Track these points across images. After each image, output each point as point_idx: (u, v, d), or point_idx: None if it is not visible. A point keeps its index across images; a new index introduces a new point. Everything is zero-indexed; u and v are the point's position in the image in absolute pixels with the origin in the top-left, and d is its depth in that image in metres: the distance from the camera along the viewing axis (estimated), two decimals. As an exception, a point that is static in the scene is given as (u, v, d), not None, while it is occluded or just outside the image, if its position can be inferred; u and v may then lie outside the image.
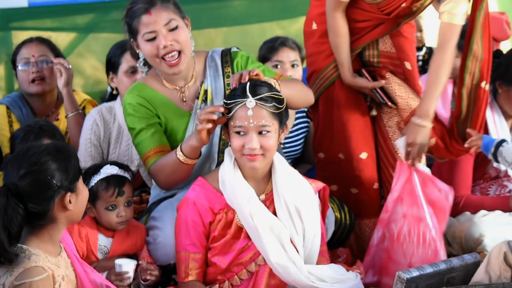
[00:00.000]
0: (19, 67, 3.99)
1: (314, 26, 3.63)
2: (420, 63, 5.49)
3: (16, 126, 3.93)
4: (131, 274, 2.86)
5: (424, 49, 5.52)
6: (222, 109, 2.83)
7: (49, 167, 2.36)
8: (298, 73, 4.03)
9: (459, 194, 3.69)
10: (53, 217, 2.39)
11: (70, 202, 2.40)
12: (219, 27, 6.43)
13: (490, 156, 3.46)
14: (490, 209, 3.61)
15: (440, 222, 3.30)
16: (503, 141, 3.46)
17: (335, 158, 3.65)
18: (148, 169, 3.13)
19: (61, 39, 5.84)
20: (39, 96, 4.02)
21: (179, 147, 2.99)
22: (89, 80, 6.03)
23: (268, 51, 4.06)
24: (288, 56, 4.02)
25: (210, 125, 2.84)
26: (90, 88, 5.82)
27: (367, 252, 3.50)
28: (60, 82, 3.88)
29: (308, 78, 3.70)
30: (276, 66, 3.97)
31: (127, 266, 2.86)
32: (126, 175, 3.11)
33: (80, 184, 2.46)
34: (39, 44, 4.05)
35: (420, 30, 5.45)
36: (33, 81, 3.97)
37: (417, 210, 3.33)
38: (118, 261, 2.87)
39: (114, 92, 3.83)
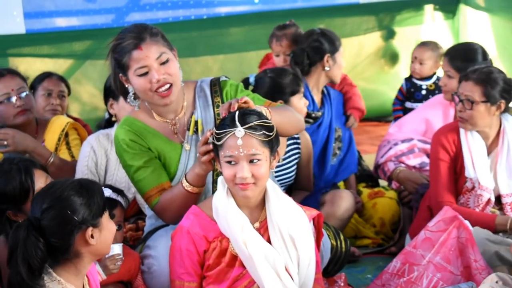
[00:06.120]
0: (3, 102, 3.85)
1: None
2: (424, 92, 5.37)
3: None
4: (122, 255, 2.97)
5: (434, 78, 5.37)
6: (209, 134, 2.86)
7: (71, 202, 2.40)
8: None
9: (444, 199, 3.69)
10: (76, 251, 2.42)
11: (92, 237, 2.43)
12: (216, 54, 6.47)
13: None
14: (475, 224, 3.56)
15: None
16: None
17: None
18: (152, 208, 3.14)
19: (58, 65, 5.88)
20: (23, 126, 3.90)
21: (184, 178, 3.02)
22: (86, 107, 6.06)
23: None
24: None
25: (212, 154, 2.88)
26: (87, 114, 5.83)
27: (378, 276, 3.49)
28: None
29: None
30: None
31: (117, 248, 2.96)
32: (120, 199, 3.13)
33: (105, 219, 2.48)
34: (13, 77, 3.92)
35: (421, 63, 5.34)
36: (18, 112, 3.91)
37: (444, 264, 3.31)
38: None
39: (113, 118, 3.81)
